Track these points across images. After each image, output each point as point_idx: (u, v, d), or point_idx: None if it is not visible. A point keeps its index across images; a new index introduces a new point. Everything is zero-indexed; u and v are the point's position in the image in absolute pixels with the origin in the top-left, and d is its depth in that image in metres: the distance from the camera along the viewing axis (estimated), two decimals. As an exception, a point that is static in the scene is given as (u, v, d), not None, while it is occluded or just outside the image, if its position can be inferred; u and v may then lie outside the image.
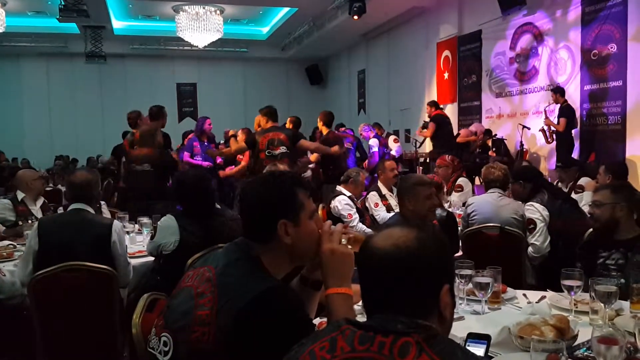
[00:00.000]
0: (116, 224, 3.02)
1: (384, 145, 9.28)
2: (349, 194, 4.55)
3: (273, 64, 16.51)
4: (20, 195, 4.29)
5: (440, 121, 8.61)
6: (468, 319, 2.06)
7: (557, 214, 3.54)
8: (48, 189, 5.37)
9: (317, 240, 1.53)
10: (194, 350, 1.35)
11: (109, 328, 2.76)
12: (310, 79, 17.01)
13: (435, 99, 10.08)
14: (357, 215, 4.42)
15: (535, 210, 3.54)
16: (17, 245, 3.61)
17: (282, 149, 5.46)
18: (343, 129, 9.27)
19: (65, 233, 2.86)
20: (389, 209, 4.66)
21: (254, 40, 14.95)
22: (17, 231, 3.90)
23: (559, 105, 7.43)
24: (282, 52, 15.62)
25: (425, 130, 8.89)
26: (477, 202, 3.87)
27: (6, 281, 2.81)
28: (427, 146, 9.93)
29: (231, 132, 8.34)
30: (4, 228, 4.02)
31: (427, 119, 8.92)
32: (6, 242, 3.72)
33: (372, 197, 4.81)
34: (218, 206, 3.37)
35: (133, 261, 3.20)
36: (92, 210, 3.08)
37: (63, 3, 9.61)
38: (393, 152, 9.50)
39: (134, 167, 5.21)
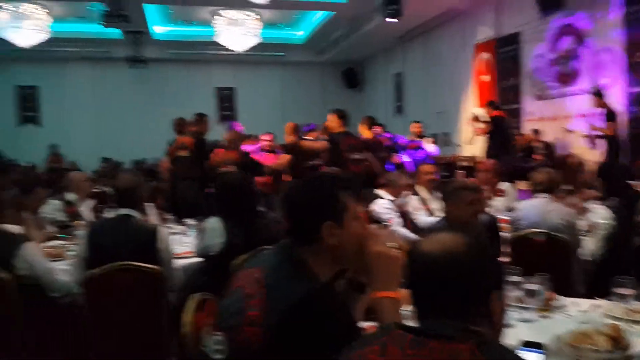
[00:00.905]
0: (162, 230, 3.07)
1: (414, 148, 9.14)
2: (388, 197, 4.54)
3: (309, 67, 16.61)
4: (69, 196, 4.45)
5: (499, 123, 8.35)
6: (518, 327, 2.04)
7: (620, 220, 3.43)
8: (95, 190, 5.52)
9: (362, 242, 1.53)
10: (245, 350, 1.38)
11: (157, 326, 2.83)
12: (346, 82, 17.03)
13: (477, 102, 9.93)
14: (397, 220, 4.41)
15: (597, 214, 3.45)
16: (68, 245, 3.73)
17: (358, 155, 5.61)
18: (380, 129, 9.20)
19: (113, 239, 2.91)
20: (430, 213, 4.63)
21: (291, 44, 15.06)
22: (68, 232, 4.03)
23: (602, 109, 7.28)
24: (318, 55, 15.70)
25: (478, 124, 8.63)
26: (523, 207, 3.81)
27: (59, 280, 2.92)
28: (470, 149, 9.78)
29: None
30: (56, 228, 4.16)
31: (481, 121, 8.70)
32: (58, 242, 3.86)
33: (413, 202, 4.79)
34: (261, 209, 3.42)
35: (180, 262, 3.28)
36: (137, 215, 3.12)
37: (106, 9, 9.87)
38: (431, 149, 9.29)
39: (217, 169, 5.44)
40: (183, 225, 4.18)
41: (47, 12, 11.06)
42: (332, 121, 5.93)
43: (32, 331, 2.83)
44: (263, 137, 7.46)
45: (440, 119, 12.15)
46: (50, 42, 11.60)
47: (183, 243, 3.87)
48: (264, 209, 3.49)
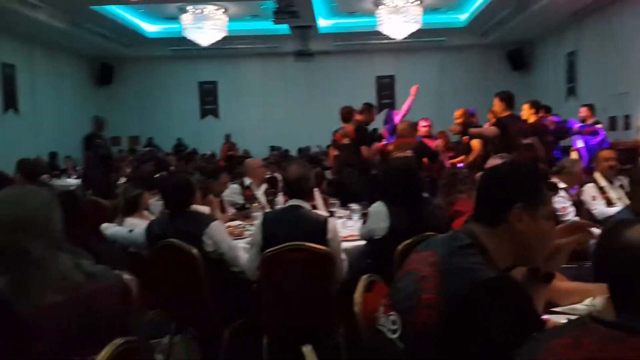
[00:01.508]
0: (331, 221, 3.12)
1: (592, 133, 8.38)
2: (562, 185, 4.27)
3: (471, 51, 16.05)
4: (247, 181, 4.86)
5: None
6: None
7: None
8: (266, 176, 5.95)
9: (547, 244, 1.50)
10: (420, 332, 1.39)
11: (325, 304, 2.98)
12: (512, 64, 16.13)
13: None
14: (572, 209, 4.13)
15: None
16: (246, 225, 4.09)
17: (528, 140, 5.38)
18: (550, 117, 8.61)
19: (285, 229, 2.99)
20: (608, 202, 4.27)
21: (452, 29, 14.67)
22: (246, 213, 4.42)
23: None
24: (482, 38, 15.08)
25: None
26: None
27: (242, 256, 3.22)
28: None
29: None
30: (235, 210, 4.58)
31: None
32: (237, 222, 4.25)
33: (589, 190, 4.45)
34: (425, 194, 3.43)
35: (345, 244, 3.41)
36: (307, 206, 3.20)
37: (276, 6, 10.47)
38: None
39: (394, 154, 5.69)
40: (347, 209, 4.33)
41: (224, 12, 12.04)
42: (496, 104, 5.67)
43: (215, 299, 3.14)
44: (421, 123, 7.40)
45: (619, 100, 11.01)
46: (226, 40, 12.63)
47: (347, 226, 4.03)
48: (428, 195, 3.49)
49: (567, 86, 13.56)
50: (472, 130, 6.12)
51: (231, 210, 4.59)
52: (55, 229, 1.63)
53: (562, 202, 4.13)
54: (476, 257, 1.42)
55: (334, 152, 7.20)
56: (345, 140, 6.61)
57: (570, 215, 4.09)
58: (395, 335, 1.46)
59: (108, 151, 7.83)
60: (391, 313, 1.49)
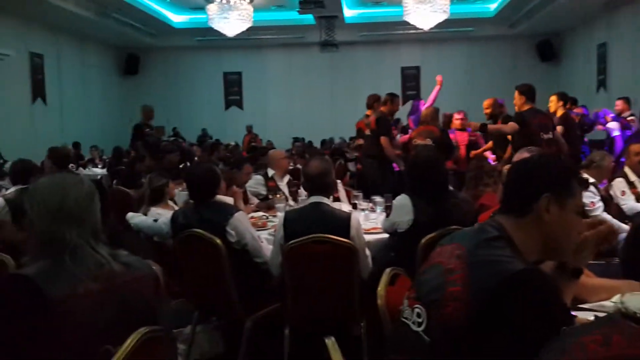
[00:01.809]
0: (354, 218, 3.07)
1: (625, 126, 8.20)
2: (591, 180, 4.17)
3: (499, 41, 15.83)
4: (270, 172, 4.86)
5: None
6: None
7: None
8: (289, 167, 5.95)
9: (574, 238, 1.49)
10: (446, 325, 1.38)
11: (348, 295, 2.97)
12: (541, 55, 15.86)
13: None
14: (600, 204, 4.04)
15: None
16: (269, 216, 4.10)
17: (550, 135, 5.26)
18: (577, 109, 8.44)
19: (307, 226, 2.95)
20: (638, 198, 4.17)
21: (480, 19, 14.46)
22: (269, 204, 4.42)
23: None
24: (510, 28, 14.84)
25: None
26: None
27: (265, 248, 3.22)
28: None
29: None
30: (258, 200, 4.59)
31: None
32: (260, 213, 4.26)
33: (619, 184, 4.34)
34: (450, 187, 3.39)
35: (367, 237, 3.38)
36: (329, 202, 3.16)
37: (303, -4, 10.45)
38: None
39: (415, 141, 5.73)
40: (370, 202, 4.31)
41: (249, 2, 12.03)
42: (516, 98, 5.55)
43: (238, 290, 3.16)
44: (455, 116, 7.31)
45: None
46: (251, 30, 12.64)
47: (370, 219, 4.00)
48: (453, 188, 3.44)
49: (598, 78, 13.28)
50: (491, 126, 6.02)
51: (254, 201, 4.60)
52: (94, 220, 1.65)
53: (590, 197, 4.04)
54: (504, 250, 1.41)
55: (359, 142, 7.17)
56: (368, 131, 6.58)
57: (599, 210, 4.00)
58: (421, 328, 1.45)
59: (158, 140, 7.88)
60: (416, 306, 1.49)
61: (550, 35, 15.37)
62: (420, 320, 1.46)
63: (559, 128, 5.98)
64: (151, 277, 1.76)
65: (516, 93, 5.49)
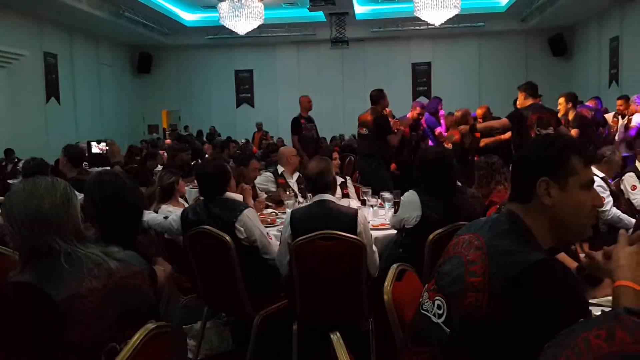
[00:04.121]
0: (361, 214, 3.08)
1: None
2: (601, 175, 4.14)
3: (511, 36, 15.72)
4: (280, 169, 4.88)
5: None
6: None
7: None
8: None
9: (585, 214, 1.45)
10: (467, 315, 1.38)
11: (356, 290, 2.98)
12: (553, 50, 15.72)
13: None
14: (610, 199, 4.02)
15: None
16: (279, 213, 4.12)
17: (550, 130, 5.21)
18: (591, 102, 8.33)
19: (314, 223, 2.97)
20: (649, 193, 4.14)
21: (491, 14, 14.37)
22: (277, 197, 4.43)
23: None
24: (522, 23, 14.74)
25: None
26: None
27: (273, 244, 3.24)
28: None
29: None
30: (266, 196, 4.61)
31: None
32: (269, 210, 4.28)
33: (629, 179, 4.31)
34: (459, 183, 3.39)
35: (375, 233, 3.40)
36: (334, 199, 3.18)
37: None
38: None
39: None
40: (379, 198, 4.31)
41: (260, 0, 12.04)
42: (518, 97, 5.56)
43: (247, 286, 3.18)
44: (456, 114, 7.28)
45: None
46: (262, 28, 12.66)
47: (378, 215, 4.01)
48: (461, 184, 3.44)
49: (610, 72, 13.14)
50: (480, 125, 6.04)
51: (263, 196, 4.62)
52: (74, 221, 1.62)
53: (600, 192, 4.01)
54: (521, 240, 1.42)
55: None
56: (364, 131, 6.51)
57: (609, 205, 3.98)
58: (441, 320, 1.46)
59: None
60: (437, 297, 1.50)
61: (562, 30, 15.23)
62: (440, 311, 1.47)
63: (574, 131, 5.96)
64: (147, 271, 1.78)
65: (519, 92, 5.52)
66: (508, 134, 5.98)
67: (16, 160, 9.37)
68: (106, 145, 7.53)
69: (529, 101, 5.34)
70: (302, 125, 7.31)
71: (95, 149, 7.55)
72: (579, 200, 1.45)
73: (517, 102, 5.67)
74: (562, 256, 1.68)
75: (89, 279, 1.52)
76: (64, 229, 1.57)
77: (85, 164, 5.55)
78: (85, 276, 1.52)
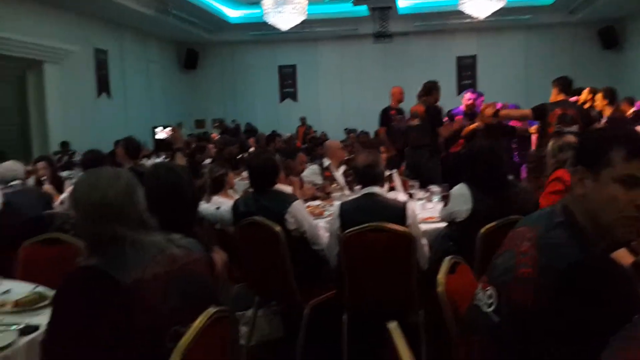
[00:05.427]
0: (410, 207, 3.10)
1: None
2: None
3: (558, 29, 15.30)
4: (326, 162, 4.93)
5: None
6: None
7: None
8: (345, 158, 5.98)
9: (619, 211, 1.38)
10: (516, 306, 1.39)
11: (406, 284, 3.00)
12: (603, 43, 15.23)
13: None
14: None
15: None
16: (326, 205, 4.16)
17: (574, 128, 5.05)
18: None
19: (363, 216, 2.99)
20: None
21: (538, 6, 14.03)
22: (324, 188, 4.47)
23: None
24: (570, 15, 14.33)
25: None
26: None
27: (323, 235, 3.29)
28: None
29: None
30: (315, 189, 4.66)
31: None
32: (317, 202, 4.33)
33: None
34: (510, 177, 3.35)
35: (423, 226, 3.39)
36: (382, 192, 3.22)
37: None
38: None
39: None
40: (427, 191, 4.30)
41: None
42: (552, 90, 5.41)
43: (297, 276, 3.24)
44: (467, 96, 7.16)
45: None
46: (304, 23, 12.71)
47: (426, 208, 4.01)
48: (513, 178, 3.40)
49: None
50: (502, 112, 5.88)
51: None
52: (139, 210, 1.66)
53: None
54: (572, 233, 1.40)
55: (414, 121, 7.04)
56: (415, 122, 6.47)
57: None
58: (491, 309, 1.47)
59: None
60: (488, 288, 1.51)
61: (613, 22, 14.73)
62: (490, 301, 1.48)
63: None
64: (206, 258, 1.85)
65: (553, 86, 5.39)
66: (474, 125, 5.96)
67: (71, 152, 9.71)
68: (171, 130, 7.66)
69: (561, 97, 5.20)
70: (391, 117, 7.18)
71: (161, 134, 7.70)
72: (611, 194, 1.38)
73: (550, 97, 5.50)
74: (622, 251, 1.65)
75: (153, 265, 1.58)
76: (128, 217, 1.62)
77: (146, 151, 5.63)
78: (150, 262, 1.58)
